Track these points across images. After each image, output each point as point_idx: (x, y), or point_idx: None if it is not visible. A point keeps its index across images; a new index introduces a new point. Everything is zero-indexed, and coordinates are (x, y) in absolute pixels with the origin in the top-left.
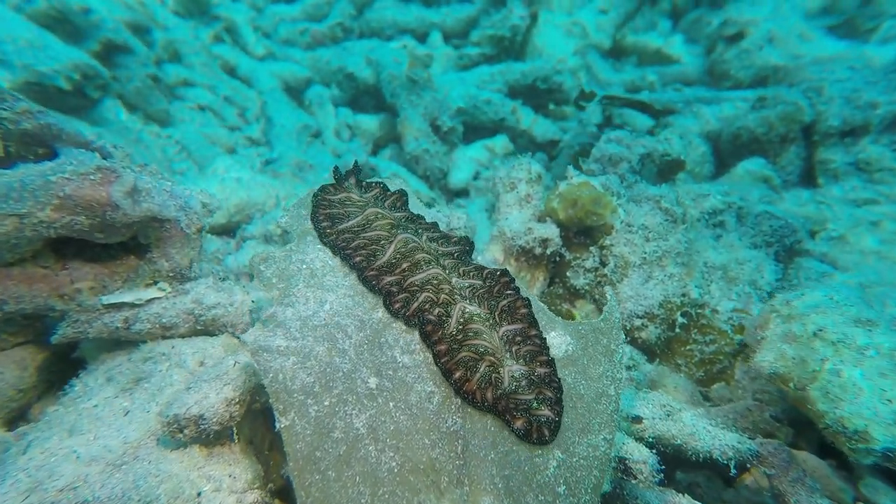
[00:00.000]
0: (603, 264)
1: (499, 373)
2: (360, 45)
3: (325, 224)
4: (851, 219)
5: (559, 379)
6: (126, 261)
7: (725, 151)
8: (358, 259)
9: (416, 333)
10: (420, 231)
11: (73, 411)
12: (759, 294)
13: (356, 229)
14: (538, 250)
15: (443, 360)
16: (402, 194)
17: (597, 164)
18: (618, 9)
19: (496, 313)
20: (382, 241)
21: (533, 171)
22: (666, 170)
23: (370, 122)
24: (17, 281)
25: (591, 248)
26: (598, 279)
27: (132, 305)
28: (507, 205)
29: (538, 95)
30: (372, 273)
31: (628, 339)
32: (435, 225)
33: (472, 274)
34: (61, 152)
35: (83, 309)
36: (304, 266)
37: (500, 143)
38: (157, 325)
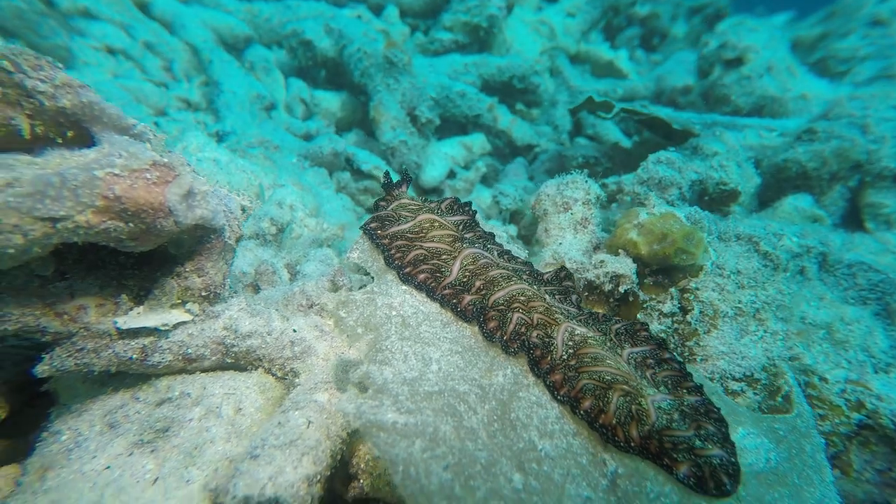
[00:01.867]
0: (684, 311)
1: (640, 404)
2: (306, 5)
3: (373, 225)
4: None
5: (719, 409)
6: (141, 273)
7: (766, 184)
8: (423, 277)
9: (551, 408)
10: (486, 244)
11: (78, 477)
12: (875, 363)
13: (410, 235)
14: (608, 286)
15: (562, 392)
16: (469, 207)
17: (642, 187)
18: (584, 14)
19: (611, 335)
20: (444, 256)
21: (592, 191)
22: (719, 200)
23: (331, 101)
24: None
25: (671, 289)
26: (677, 326)
27: (154, 331)
28: (560, 227)
29: (512, 94)
30: (448, 292)
31: None
32: (492, 236)
33: (557, 295)
34: (101, 139)
35: (91, 334)
36: (394, 313)
37: (478, 141)
38: (180, 357)
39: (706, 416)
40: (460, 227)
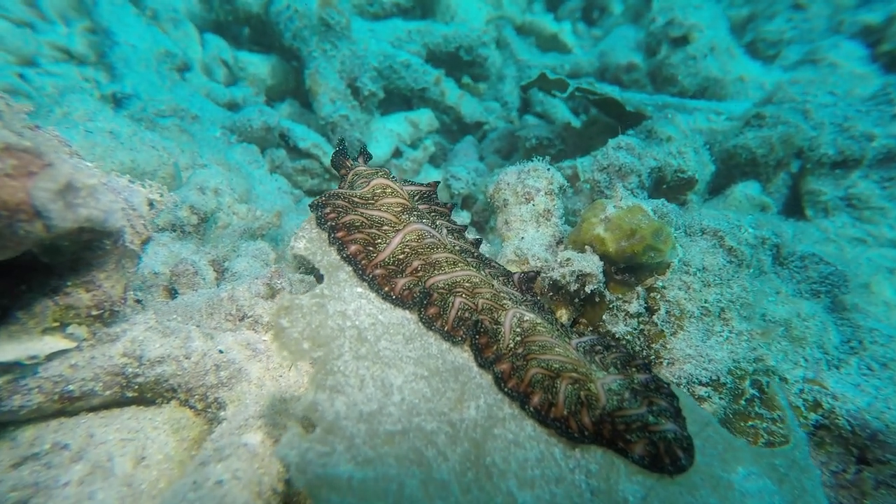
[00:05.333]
0: (650, 311)
1: (589, 389)
2: None
3: (323, 202)
4: (870, 264)
5: (668, 384)
6: None
7: (717, 171)
8: (354, 249)
9: (530, 448)
10: (436, 220)
11: None
12: (829, 360)
13: (356, 200)
14: (573, 286)
15: (510, 385)
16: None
17: (602, 174)
18: None
19: (557, 324)
20: (385, 227)
21: (555, 180)
22: (676, 188)
23: (259, 65)
24: None
25: (638, 288)
26: (643, 328)
27: (13, 367)
28: (522, 220)
29: (459, 66)
30: (379, 273)
31: None
32: (449, 211)
33: (501, 279)
34: None
35: None
36: (348, 324)
37: (425, 117)
38: (56, 397)
39: (657, 391)
40: (416, 197)
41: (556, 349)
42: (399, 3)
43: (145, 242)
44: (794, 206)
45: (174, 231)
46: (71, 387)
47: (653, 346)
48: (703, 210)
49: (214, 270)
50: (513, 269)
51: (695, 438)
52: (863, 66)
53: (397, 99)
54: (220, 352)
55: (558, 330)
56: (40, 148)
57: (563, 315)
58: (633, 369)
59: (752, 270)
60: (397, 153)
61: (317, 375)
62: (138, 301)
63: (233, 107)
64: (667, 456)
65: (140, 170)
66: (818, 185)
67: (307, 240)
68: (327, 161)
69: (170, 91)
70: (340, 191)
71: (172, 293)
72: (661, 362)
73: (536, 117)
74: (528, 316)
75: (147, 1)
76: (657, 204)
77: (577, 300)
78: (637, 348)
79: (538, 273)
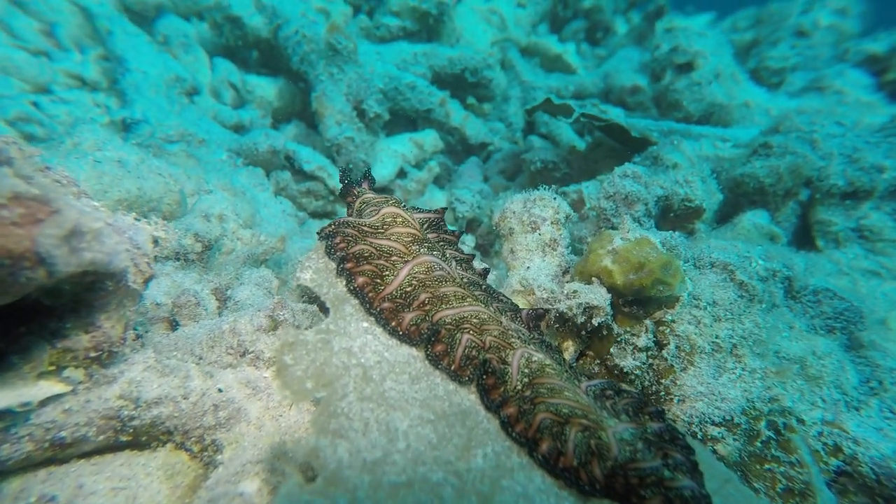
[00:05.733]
0: (660, 345)
1: (600, 438)
2: None
3: (332, 231)
4: (885, 298)
5: (683, 435)
6: None
7: (724, 199)
8: (361, 282)
9: (541, 500)
10: (440, 250)
11: None
12: (848, 401)
13: (366, 229)
14: (581, 319)
15: (517, 429)
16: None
17: (609, 202)
18: (534, 5)
19: (566, 365)
20: (395, 258)
21: (561, 210)
22: (683, 217)
23: (267, 88)
24: None
25: (646, 321)
26: (652, 362)
27: (6, 414)
28: (528, 249)
29: (464, 87)
30: (386, 307)
31: None
32: (457, 238)
33: (510, 315)
34: None
35: None
36: (353, 361)
37: (430, 138)
38: (47, 444)
39: (671, 442)
40: (424, 225)
41: (566, 393)
42: (405, 27)
43: (148, 280)
44: (804, 237)
45: (178, 260)
46: (63, 433)
47: (662, 381)
48: (712, 241)
49: (217, 299)
50: (518, 298)
51: (714, 496)
52: (868, 95)
53: (402, 120)
54: (220, 391)
55: (567, 372)
56: (49, 194)
57: (570, 347)
58: (646, 417)
59: (764, 305)
60: (402, 174)
61: (319, 418)
62: (139, 336)
63: (239, 129)
64: None
65: (147, 197)
66: (828, 216)
67: (313, 270)
68: (332, 183)
69: (178, 115)
70: (350, 219)
71: (174, 325)
72: (672, 399)
73: (541, 138)
74: (537, 356)
75: (160, 27)
76: (665, 236)
77: (583, 332)
78: (647, 383)
79: (547, 311)
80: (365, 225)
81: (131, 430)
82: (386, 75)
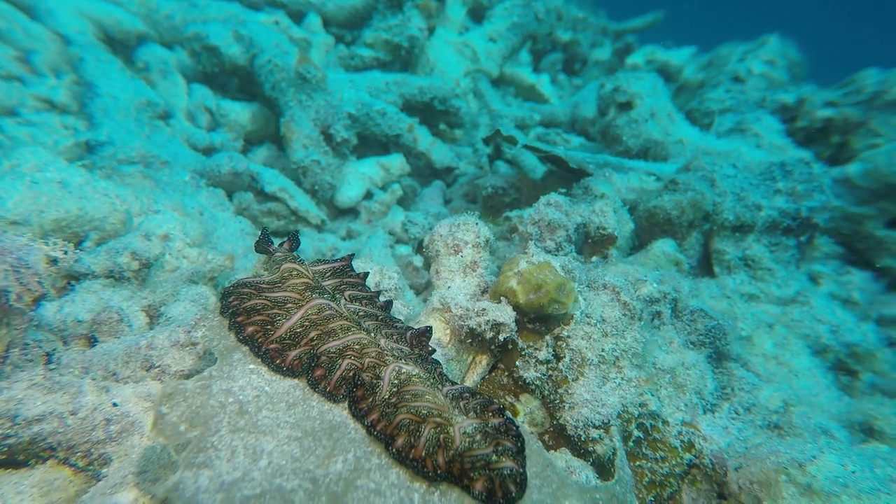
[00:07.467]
0: (557, 358)
1: (448, 432)
2: (216, 4)
3: (227, 288)
4: (754, 319)
5: (518, 426)
6: None
7: (639, 227)
8: (251, 330)
9: (390, 495)
10: (340, 292)
11: None
12: (704, 405)
13: (264, 286)
14: (489, 335)
15: (378, 428)
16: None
17: (534, 227)
18: (505, 41)
19: (435, 374)
20: (289, 305)
21: (482, 234)
22: (599, 243)
23: (240, 112)
24: None
25: (547, 337)
26: (551, 374)
27: None
28: (450, 270)
29: (433, 115)
30: (273, 347)
31: (581, 451)
32: (362, 280)
33: (395, 337)
34: None
35: None
36: (230, 400)
37: (397, 162)
38: None
39: (506, 433)
40: (327, 274)
41: (427, 396)
42: (378, 58)
43: (38, 300)
44: (706, 263)
45: (109, 278)
46: None
47: (559, 390)
48: (612, 266)
49: (148, 316)
50: (437, 316)
51: (535, 478)
52: (780, 139)
53: (374, 144)
54: (115, 405)
55: (433, 379)
56: None
57: (483, 361)
58: (490, 414)
59: (643, 323)
60: (369, 195)
61: (188, 455)
62: (47, 354)
63: (210, 151)
64: (500, 490)
65: (88, 217)
66: (723, 246)
67: (206, 328)
68: (293, 204)
69: (147, 138)
70: (248, 279)
71: (92, 342)
72: (565, 406)
73: (507, 164)
74: (406, 368)
75: (140, 54)
76: (566, 261)
77: (493, 347)
78: (546, 392)
79: (430, 328)
80: (264, 283)
81: (5, 449)
82: (358, 102)
